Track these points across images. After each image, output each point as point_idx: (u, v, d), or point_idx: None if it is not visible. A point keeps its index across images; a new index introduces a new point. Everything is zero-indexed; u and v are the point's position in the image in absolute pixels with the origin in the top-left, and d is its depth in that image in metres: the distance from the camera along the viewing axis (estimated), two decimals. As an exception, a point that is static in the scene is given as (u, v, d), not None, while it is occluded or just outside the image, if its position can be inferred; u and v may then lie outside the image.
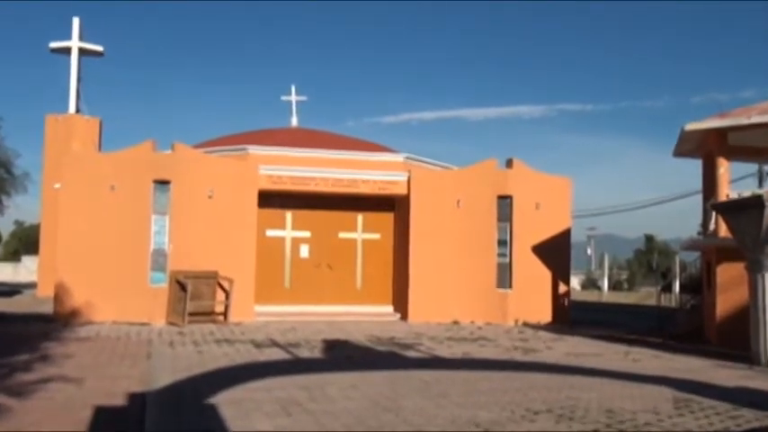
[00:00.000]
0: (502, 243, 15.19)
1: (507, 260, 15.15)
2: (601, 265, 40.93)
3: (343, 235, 15.73)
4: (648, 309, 19.65)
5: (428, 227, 14.84)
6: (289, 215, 15.47)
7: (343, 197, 15.34)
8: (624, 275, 44.75)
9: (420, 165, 16.22)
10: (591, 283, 41.18)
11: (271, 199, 14.96)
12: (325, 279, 15.42)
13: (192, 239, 13.69)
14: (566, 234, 15.54)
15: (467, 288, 14.74)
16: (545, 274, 15.34)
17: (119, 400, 6.22)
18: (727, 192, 12.10)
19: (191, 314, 13.32)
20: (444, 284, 14.67)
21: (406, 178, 15.08)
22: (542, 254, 15.29)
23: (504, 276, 15.12)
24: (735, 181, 13.57)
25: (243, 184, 14.13)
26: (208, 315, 13.85)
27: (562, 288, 15.41)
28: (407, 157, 16.13)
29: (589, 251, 47.24)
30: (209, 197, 13.78)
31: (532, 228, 15.19)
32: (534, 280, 15.13)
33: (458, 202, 15.02)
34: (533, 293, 15.07)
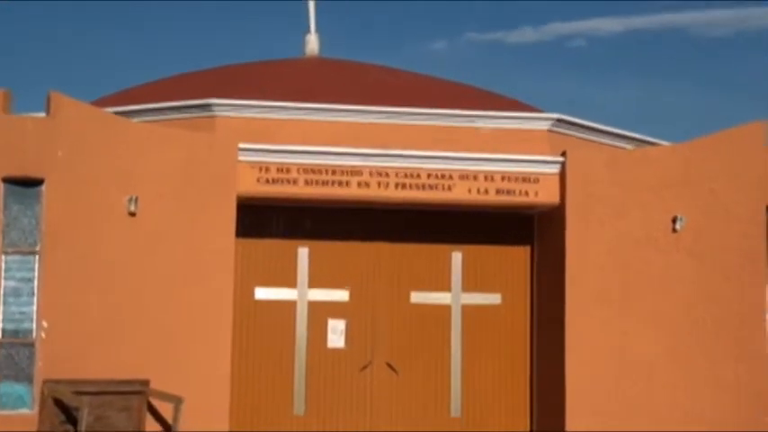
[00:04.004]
0: (783, 313, 13.15)
1: (797, 354, 13.10)
2: None
3: (419, 297, 13.46)
4: None
5: (608, 278, 12.67)
6: (303, 253, 13.28)
7: (421, 210, 13.25)
8: None
9: (586, 139, 13.92)
10: None
11: (264, 216, 13.09)
12: (384, 396, 13.25)
13: (93, 309, 11.80)
14: None
15: (700, 416, 12.56)
16: None
17: None
18: None
19: (88, 477, 11.64)
20: (644, 407, 12.50)
21: (556, 168, 12.77)
22: None
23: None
24: None
25: (204, 183, 12.25)
26: (125, 478, 12.33)
27: None
28: (559, 122, 13.52)
29: None
30: (131, 214, 11.82)
31: None
32: None
33: (674, 220, 12.57)
34: None
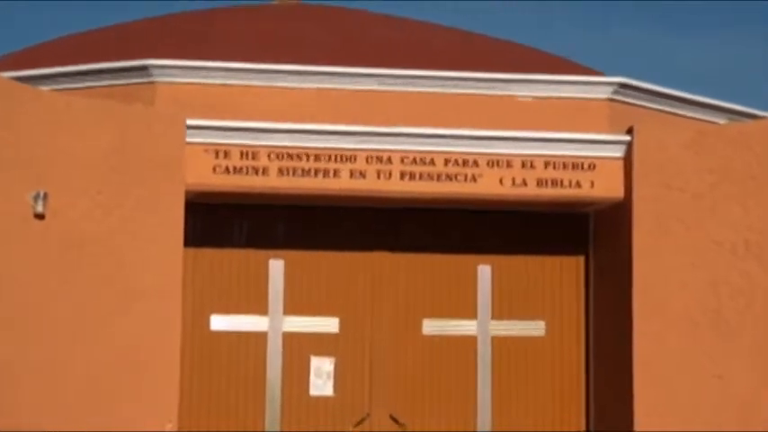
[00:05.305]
0: None
1: None
2: None
3: (434, 326, 12.05)
4: None
5: (693, 300, 11.29)
6: (277, 267, 12.09)
7: (436, 209, 11.99)
8: None
9: (660, 111, 12.59)
10: None
11: (224, 218, 11.92)
12: (385, 464, 12.81)
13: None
14: None
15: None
16: None
17: None
18: None
19: None
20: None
21: (619, 150, 11.42)
22: None
23: None
24: None
25: (141, 173, 11.06)
26: None
27: None
28: (624, 87, 12.28)
29: None
30: (38, 216, 10.55)
31: None
32: None
33: (789, 221, 12.24)
34: None
